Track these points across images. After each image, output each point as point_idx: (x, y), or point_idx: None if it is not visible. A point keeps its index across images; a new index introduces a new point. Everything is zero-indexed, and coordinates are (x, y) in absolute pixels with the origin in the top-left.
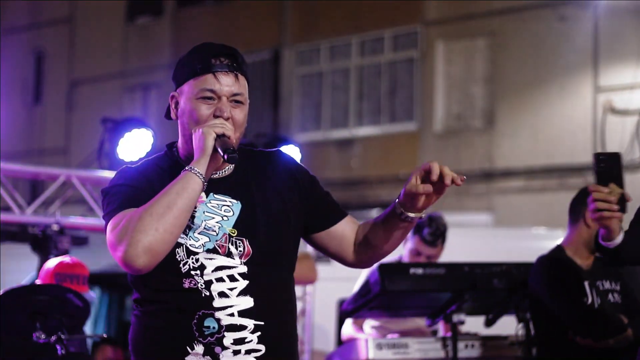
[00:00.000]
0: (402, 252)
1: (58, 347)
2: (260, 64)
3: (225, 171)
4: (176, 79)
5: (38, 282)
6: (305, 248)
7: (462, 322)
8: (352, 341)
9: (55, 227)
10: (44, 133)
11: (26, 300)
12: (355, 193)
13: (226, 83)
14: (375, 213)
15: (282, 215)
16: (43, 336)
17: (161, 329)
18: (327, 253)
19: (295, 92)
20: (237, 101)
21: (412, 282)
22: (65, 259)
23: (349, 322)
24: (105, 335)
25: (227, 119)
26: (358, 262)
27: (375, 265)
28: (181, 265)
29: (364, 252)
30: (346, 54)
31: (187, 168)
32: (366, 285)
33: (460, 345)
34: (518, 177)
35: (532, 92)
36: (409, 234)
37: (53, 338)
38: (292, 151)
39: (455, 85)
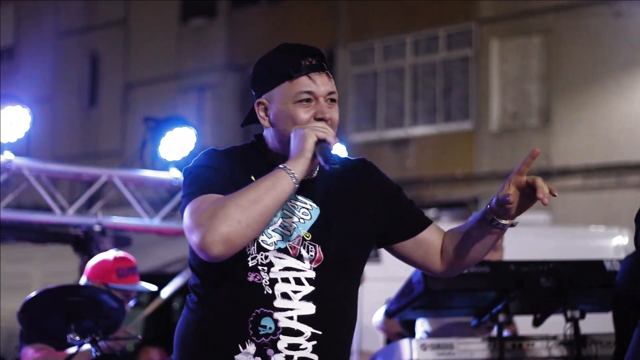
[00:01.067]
0: None
1: (92, 348)
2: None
3: (311, 173)
4: (260, 86)
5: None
6: None
7: (508, 322)
8: (396, 342)
9: (97, 228)
10: (99, 135)
11: (60, 302)
12: (410, 193)
13: (322, 83)
14: (431, 213)
15: (358, 226)
16: (77, 338)
17: (214, 321)
18: (413, 262)
19: (350, 92)
20: (332, 100)
21: (456, 281)
22: (119, 253)
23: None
24: (140, 337)
25: (327, 120)
26: (446, 270)
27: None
28: (249, 259)
29: (452, 260)
30: (400, 53)
31: (281, 166)
32: (409, 285)
33: (507, 345)
34: (575, 175)
35: (589, 89)
36: None
37: (87, 340)
38: (340, 150)
39: (511, 83)
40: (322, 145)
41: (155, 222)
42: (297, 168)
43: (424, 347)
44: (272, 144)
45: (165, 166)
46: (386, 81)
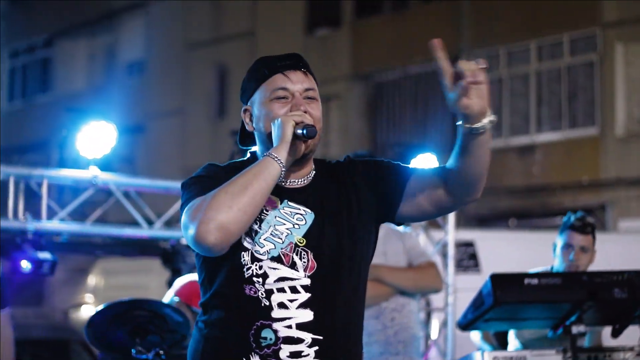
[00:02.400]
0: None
1: None
2: (439, 72)
3: (303, 180)
4: (245, 94)
5: (170, 296)
6: (429, 257)
7: (582, 334)
8: (468, 354)
9: (183, 242)
10: (228, 147)
11: (126, 316)
12: (537, 200)
13: (297, 79)
14: (558, 220)
15: (353, 224)
16: (142, 351)
17: (219, 338)
18: (424, 212)
19: None
20: (310, 97)
21: (527, 293)
22: None
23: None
24: None
25: (304, 112)
26: (459, 200)
27: (488, 277)
28: (245, 269)
29: (458, 189)
30: (525, 59)
31: (266, 154)
32: (479, 297)
33: (583, 356)
34: None
35: None
36: (557, 240)
37: (151, 354)
38: (429, 159)
39: (636, 87)
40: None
41: None
42: (280, 153)
43: (496, 359)
44: (260, 151)
45: None
46: (511, 88)
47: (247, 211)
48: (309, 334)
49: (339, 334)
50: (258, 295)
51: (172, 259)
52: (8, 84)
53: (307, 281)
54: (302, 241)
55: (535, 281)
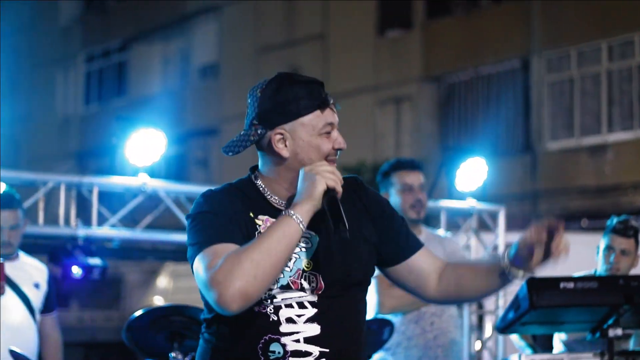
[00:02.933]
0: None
1: None
2: (510, 73)
3: None
4: (279, 116)
5: None
6: None
7: (626, 336)
8: (507, 357)
9: None
10: None
11: (165, 321)
12: (608, 200)
13: (335, 113)
14: (633, 222)
15: (358, 248)
16: (180, 357)
17: (227, 351)
18: (405, 287)
19: (546, 100)
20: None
21: (563, 297)
22: None
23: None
24: None
25: (344, 148)
26: (438, 299)
27: (524, 280)
28: None
29: (448, 291)
30: (596, 59)
31: (289, 213)
32: (516, 301)
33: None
34: None
35: None
36: (600, 242)
37: (188, 358)
38: (479, 164)
39: None
40: (331, 195)
41: None
42: (304, 215)
43: None
44: (276, 174)
45: None
46: (582, 87)
47: (270, 279)
48: (316, 347)
49: (345, 345)
50: (267, 311)
51: None
52: (84, 88)
53: (314, 297)
54: (309, 265)
55: (571, 285)
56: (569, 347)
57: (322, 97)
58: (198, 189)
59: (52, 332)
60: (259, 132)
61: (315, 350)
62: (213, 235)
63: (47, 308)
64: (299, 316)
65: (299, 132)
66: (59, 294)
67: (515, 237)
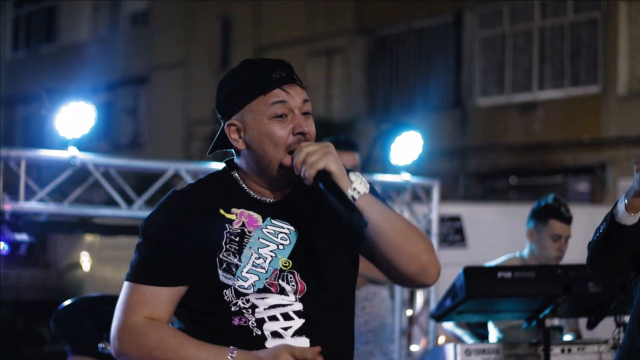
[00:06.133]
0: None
1: None
2: (443, 28)
3: (283, 194)
4: (229, 106)
5: None
6: None
7: (555, 327)
8: (441, 346)
9: None
10: None
11: (93, 311)
12: (537, 158)
13: (296, 94)
14: (558, 179)
15: (337, 241)
16: (109, 347)
17: None
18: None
19: (478, 56)
20: (307, 112)
21: (500, 287)
22: None
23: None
24: None
25: (306, 133)
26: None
27: (461, 270)
28: (231, 305)
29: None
30: (528, 16)
31: (230, 353)
32: (452, 289)
33: (557, 350)
34: None
35: None
36: (540, 224)
37: None
38: (414, 138)
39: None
40: (332, 186)
41: None
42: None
43: (468, 352)
44: (247, 167)
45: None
46: (513, 44)
47: None
48: None
49: (334, 352)
50: (248, 325)
51: None
52: (12, 33)
53: (299, 306)
54: (287, 264)
55: (508, 274)
56: (505, 333)
57: (270, 78)
58: (128, 163)
59: None
60: (221, 124)
61: None
62: (143, 273)
63: None
64: (285, 329)
65: (248, 121)
66: None
67: (446, 209)
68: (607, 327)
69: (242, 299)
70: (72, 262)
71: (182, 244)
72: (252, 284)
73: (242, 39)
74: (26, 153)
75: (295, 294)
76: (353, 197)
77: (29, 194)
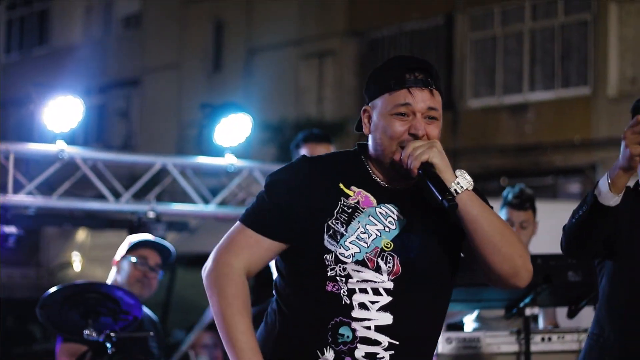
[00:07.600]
0: None
1: (107, 344)
2: (433, 30)
3: (402, 185)
4: (369, 93)
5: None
6: None
7: (535, 316)
8: None
9: (150, 215)
10: (223, 100)
11: (79, 298)
12: (528, 159)
13: (421, 99)
14: (549, 180)
15: (441, 238)
16: (94, 334)
17: (295, 328)
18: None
19: (469, 58)
20: (431, 117)
21: (479, 276)
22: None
23: None
24: (151, 333)
25: (422, 137)
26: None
27: None
28: (328, 269)
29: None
30: (519, 18)
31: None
32: None
33: (537, 338)
34: None
35: None
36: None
37: (102, 336)
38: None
39: (630, 47)
40: (431, 175)
41: (211, 208)
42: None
43: (449, 340)
44: (372, 151)
45: (220, 152)
46: (504, 46)
47: None
48: (386, 337)
49: (415, 342)
50: (340, 293)
51: (139, 232)
52: (5, 36)
53: (390, 285)
54: (389, 245)
55: None
56: (482, 321)
57: (402, 78)
58: (116, 157)
59: None
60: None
61: (385, 340)
62: (254, 220)
63: None
64: (372, 302)
65: (376, 111)
66: None
67: None
68: (587, 316)
69: (340, 267)
70: (63, 261)
71: (298, 204)
72: (352, 254)
73: (235, 41)
74: (15, 146)
75: (389, 274)
76: (456, 190)
77: (18, 187)
